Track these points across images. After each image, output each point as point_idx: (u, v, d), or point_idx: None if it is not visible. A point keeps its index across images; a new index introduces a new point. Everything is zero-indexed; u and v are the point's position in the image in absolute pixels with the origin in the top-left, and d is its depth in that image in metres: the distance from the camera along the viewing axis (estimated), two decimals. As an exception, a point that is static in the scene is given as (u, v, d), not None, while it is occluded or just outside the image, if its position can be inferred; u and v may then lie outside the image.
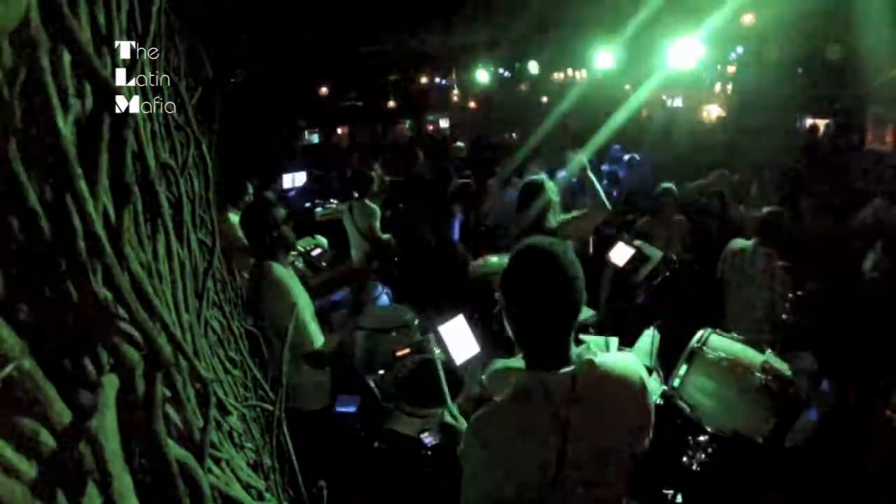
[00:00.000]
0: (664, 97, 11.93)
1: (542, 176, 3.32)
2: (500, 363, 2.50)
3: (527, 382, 1.24)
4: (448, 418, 2.05)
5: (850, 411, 2.73)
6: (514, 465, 1.18)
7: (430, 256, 4.32)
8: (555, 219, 3.10)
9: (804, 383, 2.85)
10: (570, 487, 1.18)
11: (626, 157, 7.97)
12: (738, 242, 3.71)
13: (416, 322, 3.08)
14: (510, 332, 1.29)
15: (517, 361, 1.32)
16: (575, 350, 1.26)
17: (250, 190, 4.44)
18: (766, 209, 3.70)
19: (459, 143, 7.74)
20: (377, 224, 4.65)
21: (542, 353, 1.25)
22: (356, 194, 4.74)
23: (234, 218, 3.98)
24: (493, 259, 3.52)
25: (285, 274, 2.47)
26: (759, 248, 3.51)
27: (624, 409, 1.25)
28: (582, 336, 2.79)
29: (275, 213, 2.53)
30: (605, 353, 1.31)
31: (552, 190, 3.16)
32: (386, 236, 4.67)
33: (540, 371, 1.22)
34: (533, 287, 1.22)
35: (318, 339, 2.45)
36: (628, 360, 1.34)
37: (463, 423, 1.64)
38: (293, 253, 3.36)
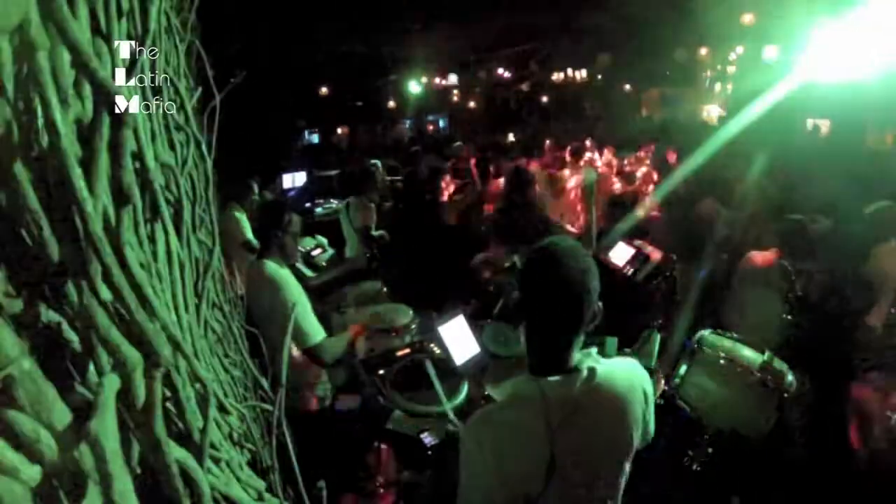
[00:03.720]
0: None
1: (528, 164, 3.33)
2: (499, 363, 2.50)
3: (525, 387, 1.23)
4: (451, 427, 2.05)
5: (845, 411, 2.73)
6: (509, 468, 1.18)
7: (427, 254, 4.33)
8: (542, 206, 3.12)
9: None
10: (564, 492, 1.18)
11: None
12: (760, 254, 3.54)
13: (417, 322, 3.08)
14: (521, 334, 1.28)
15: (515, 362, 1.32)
16: (577, 356, 1.25)
17: (256, 189, 4.47)
18: (793, 216, 3.57)
19: (458, 144, 7.73)
20: (371, 223, 4.69)
21: (546, 358, 1.24)
22: (357, 190, 4.79)
23: (238, 215, 4.01)
24: (494, 260, 3.52)
25: (282, 272, 2.47)
26: (783, 260, 3.38)
27: (624, 416, 1.24)
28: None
29: (290, 218, 2.55)
30: (608, 358, 1.30)
31: (539, 177, 3.18)
32: (379, 232, 4.70)
33: (540, 376, 1.22)
34: (543, 288, 1.20)
35: (320, 333, 2.44)
36: (629, 366, 1.33)
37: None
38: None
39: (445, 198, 4.70)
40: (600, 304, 1.23)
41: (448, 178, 4.78)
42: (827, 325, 3.08)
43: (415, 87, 9.15)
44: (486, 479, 1.19)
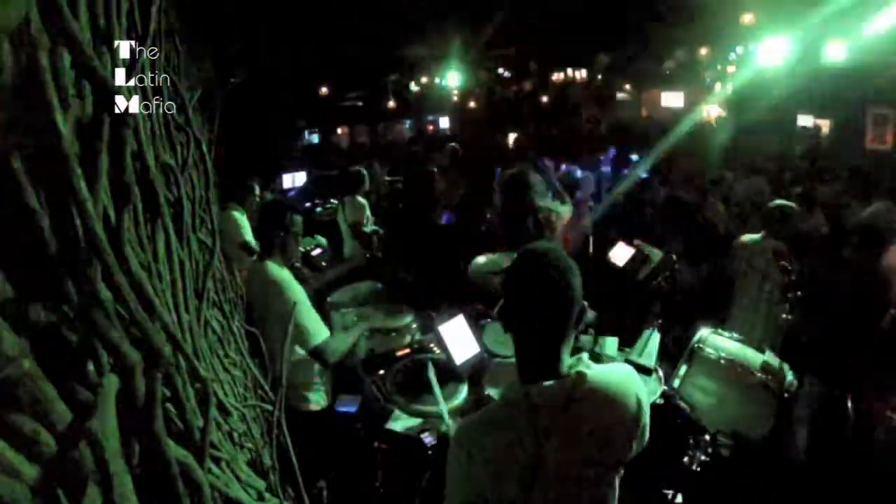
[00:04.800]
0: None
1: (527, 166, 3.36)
2: (499, 363, 2.50)
3: (514, 392, 1.24)
4: (443, 428, 2.05)
5: (846, 411, 2.73)
6: (495, 472, 1.18)
7: (425, 253, 4.33)
8: (541, 207, 3.13)
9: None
10: (550, 497, 1.18)
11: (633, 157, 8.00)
12: (746, 237, 3.69)
13: (416, 322, 3.08)
14: (510, 339, 1.29)
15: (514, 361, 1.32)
16: (568, 361, 1.25)
17: (256, 190, 4.47)
18: (775, 202, 3.69)
19: (453, 145, 7.74)
20: (364, 220, 4.73)
21: (534, 362, 1.24)
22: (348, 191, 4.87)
23: (237, 215, 4.01)
24: (493, 257, 3.52)
25: (283, 274, 2.47)
26: (765, 242, 3.50)
27: (613, 424, 1.23)
28: (581, 336, 2.79)
29: (290, 219, 2.55)
30: (600, 364, 1.30)
31: (538, 179, 3.20)
32: (370, 229, 4.74)
33: (529, 382, 1.22)
34: (526, 293, 1.21)
35: (323, 332, 2.44)
36: (623, 372, 1.31)
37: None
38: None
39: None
40: (585, 302, 1.24)
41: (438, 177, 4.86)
42: (830, 325, 3.08)
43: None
44: (474, 484, 1.20)
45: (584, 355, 1.29)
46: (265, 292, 2.42)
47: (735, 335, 2.91)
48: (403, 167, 7.92)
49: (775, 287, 3.37)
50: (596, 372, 1.24)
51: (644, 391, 1.31)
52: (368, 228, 4.79)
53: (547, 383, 1.20)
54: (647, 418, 1.29)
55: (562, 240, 3.33)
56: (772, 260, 3.39)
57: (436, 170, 5.03)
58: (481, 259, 3.32)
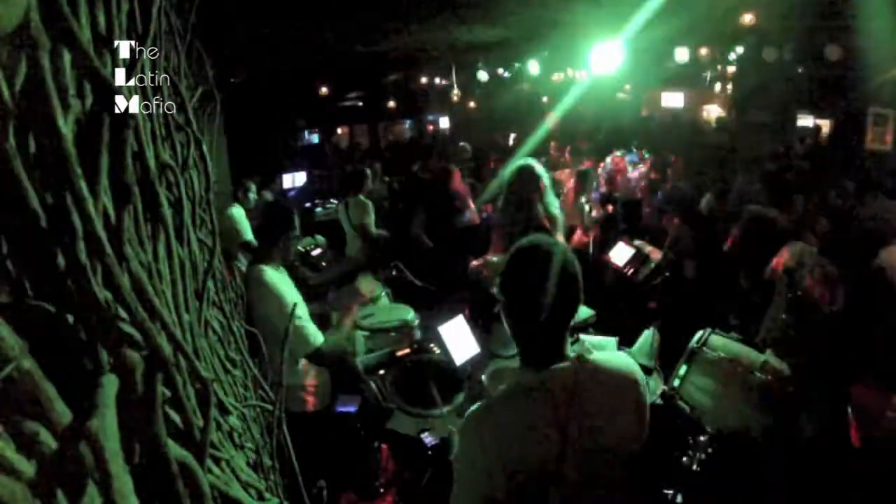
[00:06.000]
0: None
1: (532, 161, 3.35)
2: (499, 363, 2.51)
3: (523, 379, 1.25)
4: (452, 428, 2.05)
5: (845, 411, 2.72)
6: (512, 461, 1.18)
7: (428, 255, 4.33)
8: (544, 204, 3.13)
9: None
10: (569, 485, 1.18)
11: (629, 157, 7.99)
12: (799, 247, 3.42)
13: (416, 322, 3.08)
14: (508, 329, 1.30)
15: (515, 361, 1.33)
16: (570, 348, 1.27)
17: (253, 188, 4.47)
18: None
19: (463, 144, 7.74)
20: (369, 220, 4.71)
21: (538, 351, 1.26)
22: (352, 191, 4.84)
23: (236, 211, 4.01)
24: (493, 259, 3.52)
25: (278, 277, 2.48)
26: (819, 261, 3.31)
27: (621, 406, 1.26)
28: (582, 336, 2.80)
29: (292, 222, 2.57)
30: (602, 351, 1.33)
31: (542, 175, 3.20)
32: (378, 231, 4.73)
33: (535, 368, 1.23)
34: (529, 284, 1.23)
35: (318, 337, 2.44)
36: (623, 357, 1.36)
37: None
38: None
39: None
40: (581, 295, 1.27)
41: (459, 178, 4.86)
42: (831, 326, 3.07)
43: (417, 85, 8.89)
44: (487, 474, 1.19)
45: (586, 341, 1.31)
46: (263, 295, 2.42)
47: (735, 335, 2.90)
48: (404, 167, 7.93)
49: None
50: (598, 356, 1.26)
51: (642, 374, 1.34)
52: (376, 232, 4.77)
53: (558, 367, 1.21)
54: (647, 401, 1.31)
55: (563, 239, 3.33)
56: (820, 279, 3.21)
57: (459, 169, 5.02)
58: (481, 262, 3.32)
